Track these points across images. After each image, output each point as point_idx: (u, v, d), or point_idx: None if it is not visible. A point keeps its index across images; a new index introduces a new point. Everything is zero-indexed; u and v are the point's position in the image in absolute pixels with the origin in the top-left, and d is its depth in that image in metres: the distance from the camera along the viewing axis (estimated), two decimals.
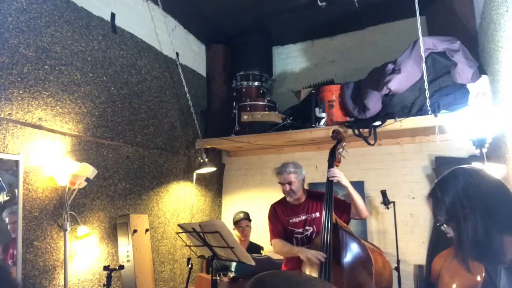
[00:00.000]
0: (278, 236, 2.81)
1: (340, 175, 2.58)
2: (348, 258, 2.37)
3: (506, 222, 1.12)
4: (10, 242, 2.26)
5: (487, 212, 1.14)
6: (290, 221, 2.80)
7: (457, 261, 1.18)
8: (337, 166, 2.71)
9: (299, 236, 2.76)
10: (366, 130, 3.42)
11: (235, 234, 3.77)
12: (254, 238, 3.94)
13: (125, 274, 3.01)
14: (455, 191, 1.19)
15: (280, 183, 2.83)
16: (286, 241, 2.75)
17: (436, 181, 1.30)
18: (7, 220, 2.24)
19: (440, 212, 1.23)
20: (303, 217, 2.79)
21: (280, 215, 2.86)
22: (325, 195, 2.54)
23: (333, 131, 2.95)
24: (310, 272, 2.45)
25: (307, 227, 2.76)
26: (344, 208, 2.69)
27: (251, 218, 3.92)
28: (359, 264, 2.32)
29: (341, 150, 2.77)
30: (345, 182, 2.59)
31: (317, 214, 2.76)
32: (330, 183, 2.57)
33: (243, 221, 3.81)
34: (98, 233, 2.90)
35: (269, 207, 2.97)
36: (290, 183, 2.76)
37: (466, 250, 1.15)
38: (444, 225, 1.23)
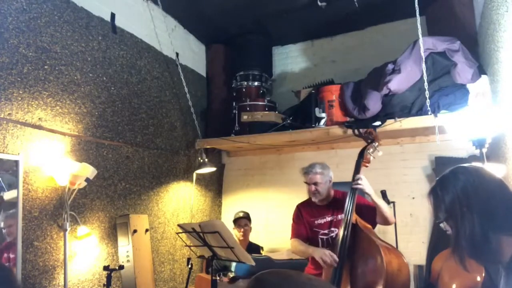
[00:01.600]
0: (297, 236, 2.82)
1: (364, 183, 2.55)
2: (361, 258, 2.35)
3: (504, 221, 1.13)
4: (6, 245, 2.25)
5: (485, 212, 1.14)
6: (316, 222, 2.79)
7: (454, 259, 1.18)
8: (365, 166, 2.67)
9: (324, 237, 2.75)
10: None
11: (234, 233, 3.77)
12: (253, 238, 3.94)
13: (125, 274, 3.01)
14: (454, 189, 1.20)
15: (306, 183, 2.82)
16: (310, 244, 2.73)
17: (437, 178, 1.30)
18: (1, 224, 2.22)
19: (439, 209, 1.24)
20: (328, 218, 2.77)
21: (305, 216, 2.84)
22: (348, 197, 2.52)
23: (365, 132, 2.88)
24: (327, 271, 2.43)
25: (332, 228, 2.74)
26: (369, 211, 2.66)
27: (251, 218, 3.92)
28: (371, 265, 2.30)
29: (371, 150, 2.72)
30: (369, 190, 2.56)
31: (343, 216, 2.71)
32: (354, 190, 2.54)
33: (242, 220, 3.81)
34: (98, 233, 2.90)
35: (294, 208, 2.96)
36: (316, 184, 2.75)
37: (462, 249, 1.16)
38: (444, 223, 1.23)
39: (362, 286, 2.30)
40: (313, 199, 2.82)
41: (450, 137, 3.47)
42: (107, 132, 3.06)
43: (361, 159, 2.66)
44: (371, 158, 2.71)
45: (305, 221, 2.83)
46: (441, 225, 1.24)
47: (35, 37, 2.49)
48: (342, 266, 2.34)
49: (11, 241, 2.26)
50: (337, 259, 2.36)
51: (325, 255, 2.39)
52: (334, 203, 2.81)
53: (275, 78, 4.80)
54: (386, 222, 2.66)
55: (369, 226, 2.55)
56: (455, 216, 1.18)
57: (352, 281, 2.34)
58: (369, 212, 2.65)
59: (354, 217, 2.49)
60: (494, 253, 1.13)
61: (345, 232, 2.40)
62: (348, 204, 2.50)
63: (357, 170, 2.62)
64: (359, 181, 2.54)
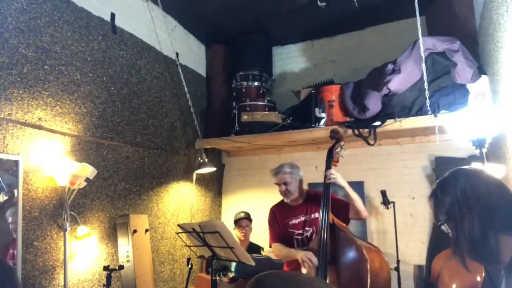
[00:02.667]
0: (277, 240, 2.81)
1: (337, 175, 2.57)
2: (344, 257, 2.36)
3: (503, 222, 1.13)
4: (10, 242, 2.26)
5: (484, 213, 1.15)
6: (290, 223, 2.79)
7: (455, 260, 1.19)
8: (335, 166, 2.69)
9: (299, 237, 2.76)
10: (366, 130, 3.42)
11: (235, 233, 3.77)
12: (254, 238, 3.94)
13: (125, 274, 3.01)
14: (453, 192, 1.21)
15: (276, 183, 2.83)
16: (285, 244, 2.74)
17: (437, 181, 1.31)
18: (10, 219, 2.25)
19: (440, 212, 1.25)
20: (302, 218, 2.78)
21: (279, 217, 2.85)
22: (322, 196, 2.53)
23: (331, 131, 2.94)
24: (308, 272, 2.45)
25: (306, 228, 2.75)
26: (343, 207, 2.67)
27: (251, 219, 3.92)
28: (354, 264, 2.31)
29: (339, 149, 2.75)
30: (342, 182, 2.58)
31: (317, 215, 2.74)
32: (327, 185, 2.56)
33: (243, 221, 3.81)
34: (98, 233, 2.90)
35: (269, 211, 2.96)
36: (286, 184, 2.77)
37: (463, 250, 1.17)
38: (445, 225, 1.24)
39: (350, 284, 2.30)
40: (285, 200, 2.82)
41: (450, 137, 3.47)
42: (107, 132, 3.06)
43: (331, 159, 2.69)
44: (340, 157, 2.76)
45: (279, 223, 2.83)
46: (442, 227, 1.26)
47: (35, 37, 2.49)
48: (325, 267, 2.32)
49: (17, 237, 2.27)
50: (316, 261, 2.34)
51: (305, 257, 2.39)
52: (308, 202, 2.81)
53: (275, 78, 4.80)
54: (359, 216, 2.66)
55: (344, 224, 2.56)
56: (455, 218, 1.20)
57: (337, 280, 2.33)
58: (342, 209, 2.65)
59: (331, 216, 2.49)
60: (494, 253, 1.14)
61: (324, 234, 2.38)
62: (323, 203, 2.48)
63: (328, 167, 2.63)
64: (332, 175, 2.54)
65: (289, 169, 2.80)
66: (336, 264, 2.37)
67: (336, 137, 2.84)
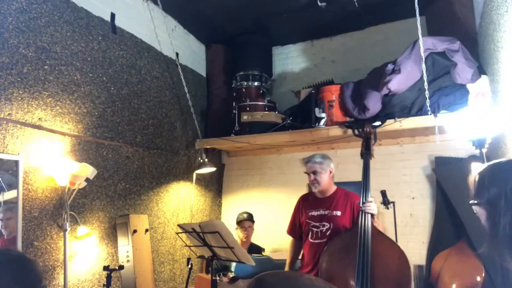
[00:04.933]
0: (289, 231, 2.98)
1: (374, 206, 2.50)
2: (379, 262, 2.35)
3: None
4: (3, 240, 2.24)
5: None
6: (310, 214, 2.84)
7: (488, 249, 1.18)
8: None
9: (314, 229, 2.79)
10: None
11: (238, 234, 3.77)
12: (254, 238, 3.94)
13: (124, 274, 3.01)
14: (504, 186, 1.20)
15: (305, 172, 2.86)
16: (304, 233, 2.84)
17: (489, 164, 1.29)
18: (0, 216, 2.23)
19: (480, 195, 1.24)
20: (322, 212, 2.79)
21: (301, 206, 2.93)
22: (360, 219, 2.42)
23: (364, 131, 2.90)
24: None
25: (324, 223, 2.75)
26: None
27: (253, 219, 3.92)
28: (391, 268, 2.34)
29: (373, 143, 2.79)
30: (375, 211, 2.53)
31: (338, 213, 2.75)
32: (365, 214, 2.46)
33: (246, 222, 3.81)
34: (98, 233, 2.90)
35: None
36: (314, 173, 2.78)
37: (501, 242, 1.16)
38: (478, 207, 1.24)
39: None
40: (313, 190, 2.85)
41: (450, 137, 3.47)
42: (107, 132, 3.06)
43: (369, 155, 2.69)
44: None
45: (300, 212, 2.91)
46: (474, 207, 1.25)
47: (35, 37, 2.49)
48: (368, 273, 2.26)
49: (8, 235, 2.24)
50: None
51: None
52: (334, 199, 2.82)
53: (275, 78, 4.80)
54: None
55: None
56: (496, 208, 1.19)
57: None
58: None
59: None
60: None
61: (364, 260, 2.30)
62: (361, 227, 2.38)
63: (367, 185, 2.56)
64: (371, 205, 2.47)
65: (319, 159, 2.82)
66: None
67: (364, 135, 2.84)
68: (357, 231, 2.39)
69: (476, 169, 1.29)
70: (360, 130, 2.94)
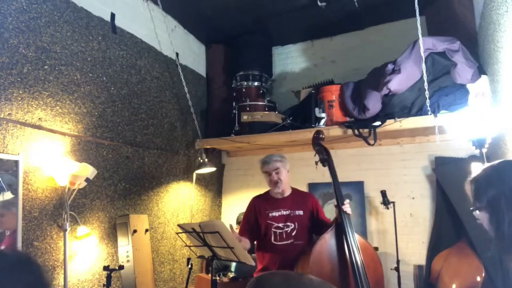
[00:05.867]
0: (242, 233, 2.77)
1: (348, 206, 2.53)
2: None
3: None
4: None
5: None
6: (270, 215, 2.75)
7: (496, 251, 1.18)
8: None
9: (278, 231, 2.71)
10: (366, 130, 3.42)
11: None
12: None
13: (124, 274, 3.01)
14: (501, 187, 1.22)
15: (266, 172, 2.78)
16: (264, 236, 2.73)
17: (484, 168, 1.31)
18: None
19: (479, 199, 1.26)
20: (284, 212, 2.75)
21: (257, 208, 2.80)
22: (344, 222, 2.43)
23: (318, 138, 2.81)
24: None
25: (288, 223, 2.71)
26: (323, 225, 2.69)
27: None
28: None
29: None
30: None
31: (301, 212, 2.74)
32: (347, 216, 2.48)
33: None
34: (98, 233, 2.90)
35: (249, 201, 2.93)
36: (277, 172, 2.73)
37: (508, 240, 1.17)
38: (477, 212, 1.25)
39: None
40: (275, 190, 2.78)
41: (450, 137, 3.48)
42: (107, 132, 3.06)
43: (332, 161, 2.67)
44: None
45: (257, 213, 2.78)
46: (474, 213, 1.26)
47: (35, 37, 2.49)
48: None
49: (2, 232, 2.23)
50: None
51: None
52: (293, 198, 2.80)
53: (275, 78, 4.80)
54: None
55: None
56: (498, 208, 1.20)
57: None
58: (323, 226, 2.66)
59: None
60: None
61: (356, 257, 2.31)
62: (347, 226, 2.41)
63: (339, 187, 2.57)
64: (348, 206, 2.51)
65: (280, 158, 2.79)
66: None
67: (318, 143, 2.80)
68: (342, 232, 2.41)
69: (474, 172, 1.30)
70: (315, 136, 2.83)
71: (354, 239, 2.38)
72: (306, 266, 2.33)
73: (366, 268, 2.30)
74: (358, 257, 2.31)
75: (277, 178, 2.73)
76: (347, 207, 2.49)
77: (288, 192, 2.83)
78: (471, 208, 1.29)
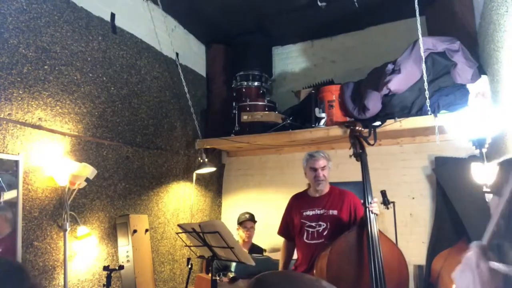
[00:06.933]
0: (281, 232, 2.90)
1: (377, 207, 2.48)
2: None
3: None
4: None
5: None
6: (304, 213, 2.76)
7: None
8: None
9: (310, 229, 2.72)
10: (366, 130, 3.42)
11: (239, 234, 3.78)
12: (254, 238, 3.94)
13: (124, 275, 3.01)
14: None
15: (312, 168, 2.74)
16: (297, 234, 2.76)
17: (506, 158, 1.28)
18: None
19: (500, 185, 1.23)
20: (318, 211, 2.73)
21: (294, 207, 2.84)
22: (369, 224, 2.38)
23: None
24: None
25: (320, 222, 2.70)
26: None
27: (255, 220, 3.92)
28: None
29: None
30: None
31: (335, 212, 2.71)
32: (370, 213, 2.43)
33: (248, 222, 3.81)
34: (98, 233, 2.90)
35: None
36: (324, 169, 2.73)
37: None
38: (492, 196, 1.23)
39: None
40: (317, 188, 2.76)
41: (450, 137, 3.47)
42: (107, 132, 3.06)
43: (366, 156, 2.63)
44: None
45: (294, 212, 2.82)
46: (487, 195, 1.24)
47: (35, 37, 2.49)
48: None
49: (17, 237, 2.24)
50: None
51: None
52: (330, 197, 2.78)
53: (275, 78, 4.80)
54: None
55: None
56: None
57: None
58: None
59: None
60: None
61: (376, 260, 2.28)
62: (371, 227, 2.37)
63: (369, 185, 2.52)
64: (376, 205, 2.45)
65: (326, 155, 2.77)
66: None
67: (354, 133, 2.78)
68: (365, 231, 2.37)
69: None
70: (352, 128, 2.81)
71: (377, 241, 2.33)
72: (323, 264, 2.33)
73: (388, 271, 2.27)
74: (377, 260, 2.27)
75: (322, 175, 2.72)
76: (374, 206, 2.43)
77: (326, 191, 2.80)
78: (483, 190, 1.27)
